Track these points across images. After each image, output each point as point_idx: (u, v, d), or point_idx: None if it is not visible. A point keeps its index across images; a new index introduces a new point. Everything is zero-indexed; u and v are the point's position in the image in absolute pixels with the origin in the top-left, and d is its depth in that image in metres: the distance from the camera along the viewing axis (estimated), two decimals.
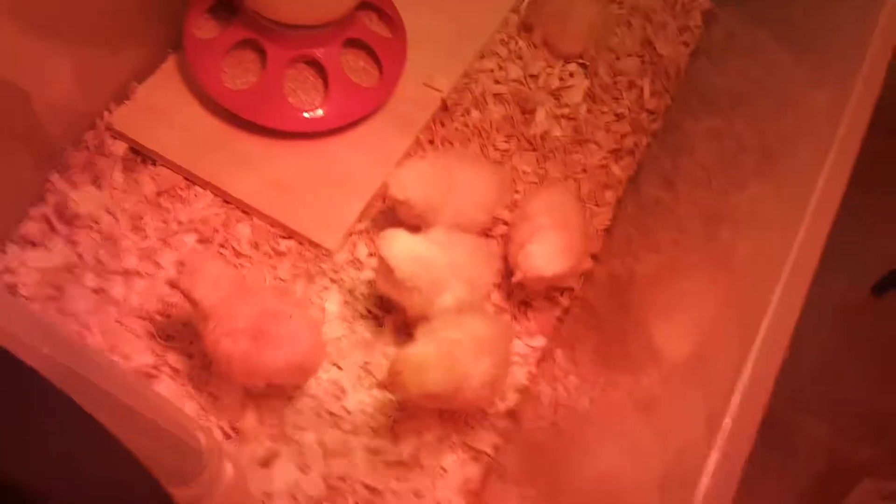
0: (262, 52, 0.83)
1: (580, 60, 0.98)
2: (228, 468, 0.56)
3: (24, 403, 0.32)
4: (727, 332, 0.53)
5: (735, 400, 0.45)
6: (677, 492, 0.44)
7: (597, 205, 0.90)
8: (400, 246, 0.73)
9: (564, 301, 0.84)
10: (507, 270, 0.83)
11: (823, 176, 0.54)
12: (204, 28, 0.85)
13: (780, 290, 0.50)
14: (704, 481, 0.42)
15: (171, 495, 0.37)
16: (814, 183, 0.54)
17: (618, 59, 0.99)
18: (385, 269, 0.74)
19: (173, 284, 0.71)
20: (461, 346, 0.68)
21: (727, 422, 0.44)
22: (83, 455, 0.34)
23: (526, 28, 1.00)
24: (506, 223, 0.87)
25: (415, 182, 0.78)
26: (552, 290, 0.84)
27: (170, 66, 0.89)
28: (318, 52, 0.82)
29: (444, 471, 0.75)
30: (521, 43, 0.99)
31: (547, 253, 0.77)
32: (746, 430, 0.45)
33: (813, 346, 0.97)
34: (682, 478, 0.44)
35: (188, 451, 0.52)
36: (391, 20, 0.89)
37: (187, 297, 0.69)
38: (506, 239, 0.86)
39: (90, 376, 0.42)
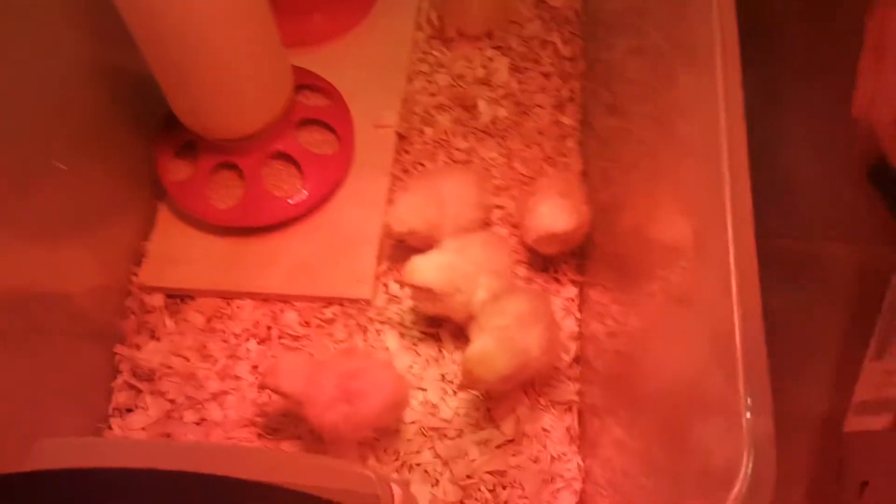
0: (235, 167, 0.92)
1: (494, 45, 1.07)
2: (397, 490, 0.62)
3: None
4: (708, 200, 0.57)
5: (731, 251, 0.51)
6: (725, 355, 0.50)
7: (564, 155, 0.99)
8: (422, 268, 0.81)
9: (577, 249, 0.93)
10: (523, 243, 0.92)
11: (718, 42, 0.59)
12: (177, 171, 0.94)
13: (726, 135, 0.56)
14: (738, 334, 0.49)
15: None
16: (713, 49, 0.59)
17: (522, 27, 1.08)
18: (422, 293, 0.82)
19: (262, 386, 0.80)
20: (511, 328, 0.76)
21: (734, 273, 0.50)
22: None
23: (439, 24, 1.08)
24: (499, 207, 0.96)
25: (409, 212, 0.86)
26: (565, 253, 0.92)
27: (163, 213, 0.97)
28: (280, 145, 0.91)
29: (547, 431, 0.84)
30: (436, 53, 1.08)
31: (553, 211, 0.85)
32: (749, 269, 0.50)
33: (810, 180, 0.98)
34: (724, 342, 0.50)
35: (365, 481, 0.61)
36: (323, 89, 0.98)
37: (277, 393, 0.79)
38: (507, 219, 0.95)
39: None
